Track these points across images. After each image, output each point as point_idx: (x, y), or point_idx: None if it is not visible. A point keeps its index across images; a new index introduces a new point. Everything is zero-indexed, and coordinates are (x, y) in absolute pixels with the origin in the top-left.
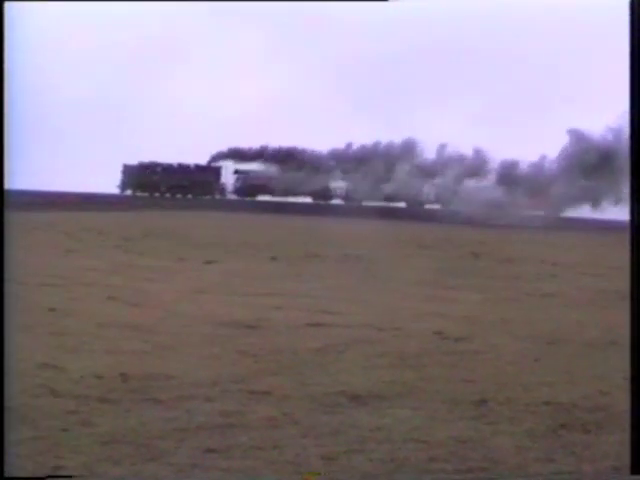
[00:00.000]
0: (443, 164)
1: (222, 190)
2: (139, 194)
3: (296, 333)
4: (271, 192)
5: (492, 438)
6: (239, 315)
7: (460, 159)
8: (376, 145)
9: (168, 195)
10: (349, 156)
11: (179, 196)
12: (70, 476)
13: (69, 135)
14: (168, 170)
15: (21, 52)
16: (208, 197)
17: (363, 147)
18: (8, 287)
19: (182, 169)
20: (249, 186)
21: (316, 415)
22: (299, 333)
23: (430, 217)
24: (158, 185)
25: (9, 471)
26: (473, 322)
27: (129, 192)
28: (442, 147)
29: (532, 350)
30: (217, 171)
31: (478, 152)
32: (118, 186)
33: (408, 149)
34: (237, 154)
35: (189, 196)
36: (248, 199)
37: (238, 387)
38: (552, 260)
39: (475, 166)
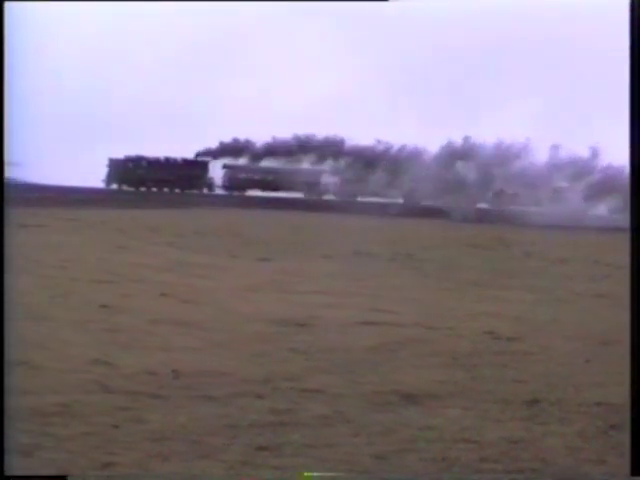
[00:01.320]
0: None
1: (210, 185)
2: (125, 188)
3: (348, 331)
4: (261, 187)
5: (543, 439)
6: (291, 313)
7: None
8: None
9: (155, 189)
10: (345, 151)
11: (166, 190)
12: (71, 476)
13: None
14: (154, 164)
15: (28, 52)
16: (195, 191)
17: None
18: (62, 284)
19: (169, 163)
20: (238, 180)
21: (368, 413)
22: (351, 331)
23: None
24: (143, 179)
25: (9, 470)
26: (525, 322)
27: (114, 186)
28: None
29: (583, 351)
30: (205, 165)
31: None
32: (103, 180)
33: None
34: (232, 149)
35: (176, 190)
36: (236, 194)
37: (290, 385)
38: (605, 261)
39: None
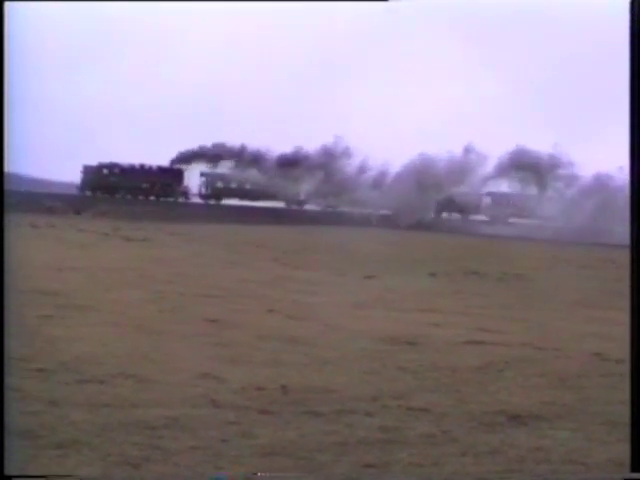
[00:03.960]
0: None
1: (185, 193)
2: (99, 195)
3: (455, 350)
4: (238, 195)
5: None
6: (399, 331)
7: None
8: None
9: (129, 197)
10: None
11: (141, 198)
12: (72, 476)
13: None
14: (127, 171)
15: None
16: (171, 199)
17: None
18: (170, 298)
19: (143, 171)
20: (215, 189)
21: (475, 433)
22: (458, 351)
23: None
24: (116, 187)
25: (9, 470)
26: None
27: (88, 193)
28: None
29: None
30: (179, 173)
31: None
32: (77, 187)
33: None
34: (208, 155)
35: (151, 198)
36: (213, 202)
37: (397, 403)
38: None
39: None
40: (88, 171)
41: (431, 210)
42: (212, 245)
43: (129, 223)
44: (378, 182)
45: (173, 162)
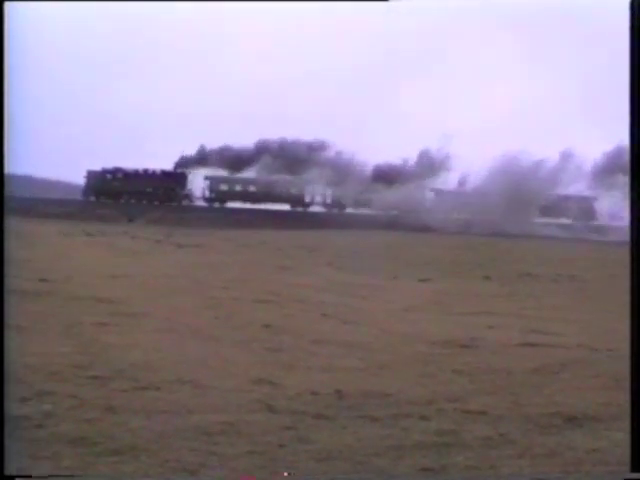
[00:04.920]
0: None
1: (189, 197)
2: (103, 200)
3: (510, 353)
4: (242, 198)
5: None
6: (453, 334)
7: None
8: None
9: (133, 201)
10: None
11: (144, 202)
12: (72, 475)
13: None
14: (130, 176)
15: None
16: (174, 204)
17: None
18: (225, 304)
19: (146, 175)
20: (219, 192)
21: (531, 436)
22: (513, 353)
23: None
24: (120, 191)
25: (10, 470)
26: None
27: (92, 198)
28: None
29: None
30: (183, 177)
31: None
32: (82, 192)
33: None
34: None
35: (155, 203)
36: (218, 205)
37: (453, 406)
38: None
39: None
40: (92, 176)
41: (528, 214)
42: (266, 250)
43: (181, 229)
44: (461, 185)
45: (177, 166)
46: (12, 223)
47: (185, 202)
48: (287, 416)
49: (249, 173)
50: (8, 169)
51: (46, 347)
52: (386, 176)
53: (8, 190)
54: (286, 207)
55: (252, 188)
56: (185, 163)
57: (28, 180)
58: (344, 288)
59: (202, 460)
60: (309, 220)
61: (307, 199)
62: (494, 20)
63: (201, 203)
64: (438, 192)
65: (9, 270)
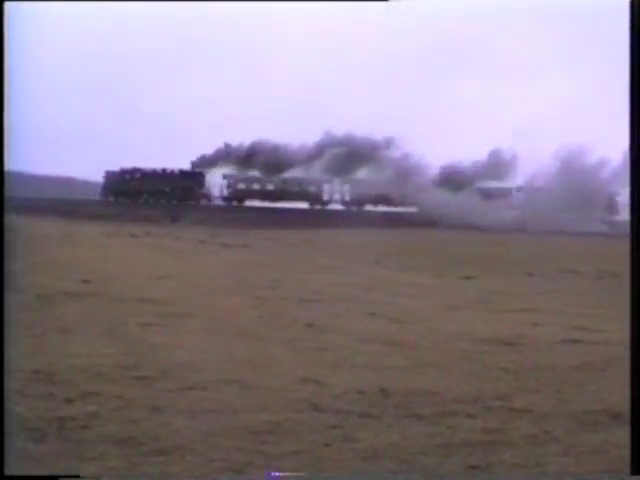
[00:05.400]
0: None
1: (207, 196)
2: (122, 200)
3: (555, 350)
4: (261, 197)
5: None
6: (498, 331)
7: None
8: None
9: (151, 201)
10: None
11: (162, 202)
12: (72, 476)
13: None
14: (149, 176)
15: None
16: (192, 203)
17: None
18: (270, 303)
19: (164, 175)
20: (237, 191)
21: (577, 433)
22: (558, 350)
23: None
24: (138, 191)
25: (10, 470)
26: None
27: (111, 198)
28: None
29: None
30: (201, 176)
31: None
32: (100, 193)
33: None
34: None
35: (173, 202)
36: (236, 204)
37: (499, 404)
38: None
39: None
40: (110, 176)
41: (590, 212)
42: (311, 249)
43: (225, 230)
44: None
45: (195, 165)
46: (56, 225)
47: (203, 201)
48: (333, 415)
49: (313, 170)
50: (48, 171)
51: (91, 348)
52: (453, 176)
53: (52, 193)
54: (304, 205)
55: (270, 187)
56: (206, 162)
57: (69, 182)
58: (389, 286)
59: (248, 459)
60: (353, 219)
61: (325, 197)
62: (545, 17)
63: (219, 202)
64: (492, 191)
65: (55, 272)
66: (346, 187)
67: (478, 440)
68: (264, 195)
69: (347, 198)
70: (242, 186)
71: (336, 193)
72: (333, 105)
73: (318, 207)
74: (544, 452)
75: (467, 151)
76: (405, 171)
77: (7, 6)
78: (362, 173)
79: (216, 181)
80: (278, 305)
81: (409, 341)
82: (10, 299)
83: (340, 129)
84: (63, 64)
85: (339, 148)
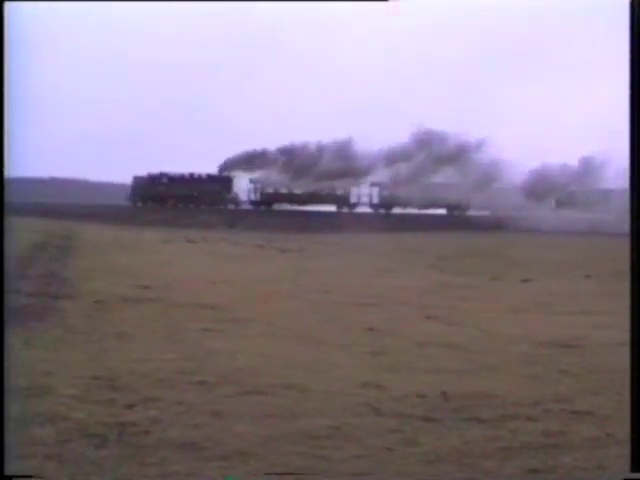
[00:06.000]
0: None
1: (235, 200)
2: (150, 205)
3: (615, 352)
4: (288, 201)
5: None
6: (558, 334)
7: None
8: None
9: (180, 206)
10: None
11: (191, 206)
12: (73, 475)
13: None
14: (176, 180)
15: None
16: (220, 207)
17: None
18: (328, 307)
19: (191, 179)
20: (265, 195)
21: None
22: (618, 352)
23: None
24: (165, 196)
25: (10, 470)
26: None
27: (139, 204)
28: None
29: None
30: (228, 180)
31: None
32: (127, 198)
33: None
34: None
35: (202, 206)
36: (263, 208)
37: (560, 407)
38: None
39: None
40: (138, 181)
41: None
42: (367, 253)
43: (281, 234)
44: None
45: (222, 169)
46: (114, 231)
47: (231, 206)
48: (393, 419)
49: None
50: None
51: (150, 353)
52: (541, 181)
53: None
54: (332, 208)
55: (297, 190)
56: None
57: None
58: (447, 290)
59: (309, 464)
60: (409, 222)
61: (353, 200)
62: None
63: (247, 206)
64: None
65: (113, 278)
66: (374, 190)
67: (539, 443)
68: (292, 199)
69: (375, 201)
70: (270, 190)
71: (364, 196)
72: (405, 107)
73: (345, 210)
74: (606, 455)
75: (556, 155)
76: (491, 174)
77: (7, 6)
78: (444, 175)
79: (243, 185)
80: (336, 309)
81: (468, 344)
82: (68, 305)
83: (418, 130)
84: (65, 66)
85: (423, 149)
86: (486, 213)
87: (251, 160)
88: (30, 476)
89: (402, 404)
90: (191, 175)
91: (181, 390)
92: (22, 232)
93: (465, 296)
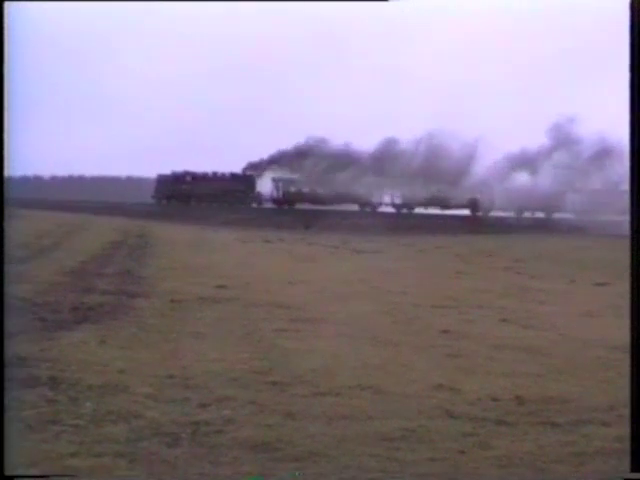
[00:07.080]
0: None
1: (258, 199)
2: (174, 203)
3: None
4: (311, 200)
5: None
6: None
7: None
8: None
9: (204, 204)
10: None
11: (215, 205)
12: (73, 475)
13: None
14: (199, 179)
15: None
16: (243, 206)
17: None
18: (404, 309)
19: (215, 178)
20: (287, 194)
21: None
22: None
23: None
24: (189, 194)
25: (10, 470)
26: None
27: (164, 202)
28: None
29: None
30: (251, 179)
31: None
32: (152, 196)
33: None
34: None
35: (225, 205)
36: (287, 207)
37: None
38: None
39: None
40: (162, 180)
41: None
42: (443, 255)
43: (357, 236)
44: None
45: (246, 169)
46: (191, 231)
47: (254, 204)
48: (467, 422)
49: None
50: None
51: (225, 353)
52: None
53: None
54: (354, 208)
55: (320, 190)
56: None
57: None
58: (522, 293)
59: (383, 466)
60: (486, 225)
61: (376, 200)
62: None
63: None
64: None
65: (190, 277)
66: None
67: (613, 449)
68: (314, 198)
69: (397, 201)
70: (292, 189)
71: (386, 196)
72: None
73: (368, 210)
74: None
75: None
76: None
77: (7, 6)
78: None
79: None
80: (411, 311)
81: (543, 348)
82: (145, 304)
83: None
84: (63, 64)
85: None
86: (568, 216)
87: (282, 160)
88: (30, 476)
89: (476, 407)
90: (214, 174)
91: (255, 390)
92: (97, 230)
93: (541, 299)
